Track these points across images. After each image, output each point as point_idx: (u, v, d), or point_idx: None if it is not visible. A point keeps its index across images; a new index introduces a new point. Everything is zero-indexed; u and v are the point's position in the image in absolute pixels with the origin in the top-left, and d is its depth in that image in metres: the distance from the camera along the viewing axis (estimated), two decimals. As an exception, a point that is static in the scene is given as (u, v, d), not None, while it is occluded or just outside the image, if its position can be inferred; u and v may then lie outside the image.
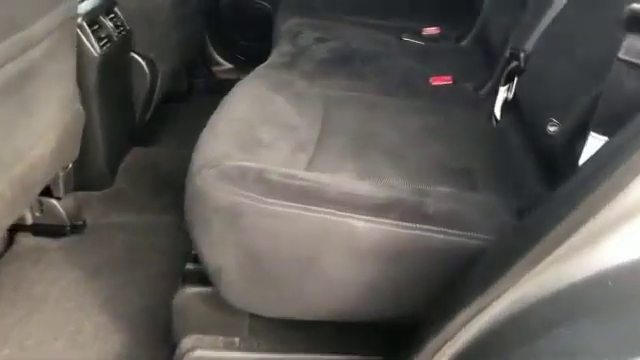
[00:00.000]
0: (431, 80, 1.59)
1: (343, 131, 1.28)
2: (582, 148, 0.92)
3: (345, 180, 1.06)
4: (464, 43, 1.87)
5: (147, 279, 1.61)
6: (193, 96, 2.61)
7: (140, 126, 2.05)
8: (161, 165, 2.06)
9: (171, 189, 1.92)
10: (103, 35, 1.72)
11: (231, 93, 1.36)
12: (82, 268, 1.63)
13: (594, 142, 0.87)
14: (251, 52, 2.70)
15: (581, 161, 0.87)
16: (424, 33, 1.92)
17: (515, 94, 1.31)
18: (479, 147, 1.26)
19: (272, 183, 1.00)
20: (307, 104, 1.37)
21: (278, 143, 1.18)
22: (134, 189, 1.95)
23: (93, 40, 1.67)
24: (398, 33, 1.90)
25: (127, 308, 1.50)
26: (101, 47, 1.70)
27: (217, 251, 1.02)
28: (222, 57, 2.73)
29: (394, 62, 1.67)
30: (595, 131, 0.86)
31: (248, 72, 2.68)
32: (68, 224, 1.73)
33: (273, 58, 1.63)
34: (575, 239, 0.71)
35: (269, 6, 2.55)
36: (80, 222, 1.77)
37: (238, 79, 2.71)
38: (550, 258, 0.73)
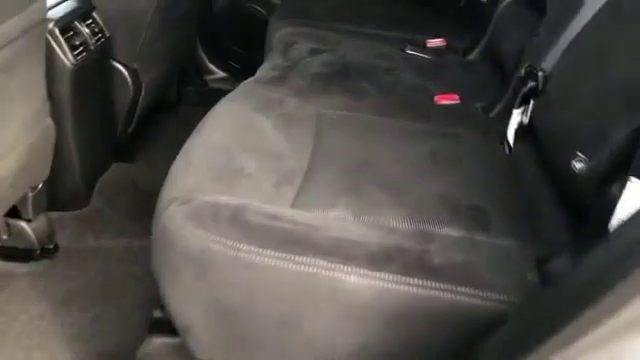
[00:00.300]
0: (436, 98, 1.44)
1: (336, 159, 1.13)
2: (618, 192, 0.77)
3: (335, 222, 0.91)
4: (472, 56, 1.72)
5: (120, 312, 1.47)
6: (183, 106, 2.47)
7: (121, 141, 1.90)
8: (143, 183, 1.92)
9: (152, 210, 1.77)
10: (78, 43, 1.57)
11: (210, 114, 1.22)
12: (50, 298, 1.50)
13: (635, 189, 0.72)
14: (246, 60, 2.55)
15: (620, 211, 0.72)
16: (428, 45, 1.76)
17: (531, 119, 1.16)
18: (491, 180, 1.11)
19: (249, 225, 0.85)
20: (297, 126, 1.22)
21: (261, 174, 1.03)
22: (112, 210, 1.80)
23: (66, 48, 1.53)
24: (400, 45, 1.74)
25: (95, 348, 1.36)
26: (75, 56, 1.55)
27: (185, 304, 0.87)
28: (215, 65, 2.58)
29: (395, 78, 1.51)
30: (637, 176, 0.71)
31: (242, 82, 2.57)
32: (38, 248, 1.59)
33: (262, 72, 1.48)
34: (622, 318, 0.55)
35: (264, 12, 2.40)
36: (51, 245, 1.63)
37: (232, 88, 2.58)
38: (587, 340, 0.58)
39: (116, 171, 1.91)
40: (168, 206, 0.92)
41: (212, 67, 2.58)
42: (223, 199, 0.92)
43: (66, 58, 1.52)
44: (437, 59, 1.68)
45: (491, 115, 1.38)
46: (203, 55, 2.56)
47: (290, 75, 1.45)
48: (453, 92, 1.46)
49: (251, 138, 1.15)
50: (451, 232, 0.93)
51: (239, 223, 0.85)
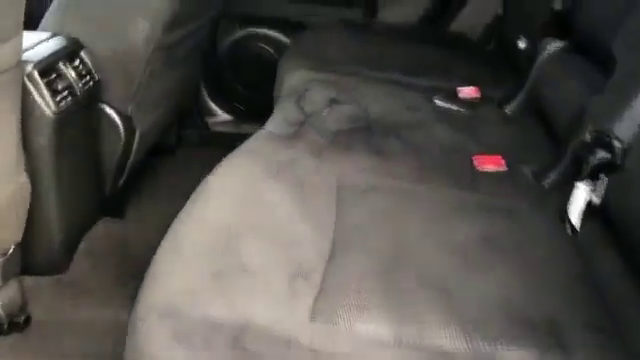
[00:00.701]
0: (476, 160, 1.22)
1: (365, 243, 0.91)
2: None
3: (370, 350, 0.68)
4: (509, 109, 1.51)
5: (97, 404, 1.24)
6: (182, 150, 2.26)
7: (111, 195, 1.69)
8: (134, 242, 1.69)
9: (143, 276, 1.55)
10: (62, 87, 1.36)
11: (210, 178, 1.00)
12: (14, 384, 1.27)
13: None
14: (252, 103, 2.36)
15: None
16: (460, 95, 1.56)
17: (605, 199, 0.94)
18: (558, 274, 0.89)
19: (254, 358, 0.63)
20: (314, 197, 1.00)
21: (270, 267, 0.81)
22: (96, 275, 1.57)
23: (46, 94, 1.32)
24: (427, 93, 1.54)
25: None
26: (58, 103, 1.34)
27: None
28: (218, 106, 2.38)
29: (427, 135, 1.30)
30: None
31: (248, 125, 2.37)
32: (6, 322, 1.36)
33: (273, 125, 1.27)
34: None
35: (274, 52, 2.22)
36: (22, 318, 1.40)
37: (236, 132, 2.37)
38: None
39: (103, 228, 1.69)
40: (146, 318, 0.69)
41: (215, 108, 2.39)
42: (219, 312, 0.70)
43: (46, 105, 1.31)
44: (472, 112, 1.47)
45: (544, 183, 1.16)
46: (206, 95, 2.36)
47: (305, 131, 1.24)
48: (494, 152, 1.25)
49: (259, 213, 0.93)
50: (522, 356, 0.70)
51: (239, 354, 0.63)
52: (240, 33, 2.25)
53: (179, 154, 2.25)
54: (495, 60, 1.87)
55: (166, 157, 2.17)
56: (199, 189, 0.99)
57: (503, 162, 1.21)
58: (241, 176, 1.02)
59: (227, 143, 2.32)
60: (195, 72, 2.13)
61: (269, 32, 2.24)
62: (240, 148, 1.14)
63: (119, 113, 1.58)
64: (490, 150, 1.26)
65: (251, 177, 1.02)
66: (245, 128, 2.38)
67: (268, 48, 2.24)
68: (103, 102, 1.55)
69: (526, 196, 1.11)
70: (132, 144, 1.66)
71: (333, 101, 1.42)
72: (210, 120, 2.38)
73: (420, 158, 1.20)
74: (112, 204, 1.73)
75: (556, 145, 1.24)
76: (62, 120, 1.36)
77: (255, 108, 2.36)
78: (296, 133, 1.23)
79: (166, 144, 2.18)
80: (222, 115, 2.39)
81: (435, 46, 1.91)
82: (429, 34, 2.04)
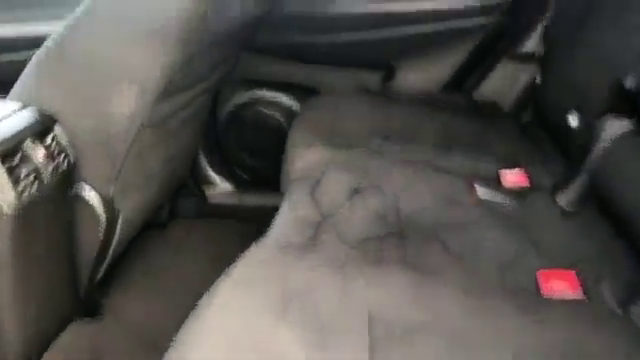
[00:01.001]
0: (541, 279, 0.96)
1: None
2: None
3: None
4: (563, 200, 1.26)
5: None
6: (174, 224, 2.00)
7: (86, 294, 1.42)
8: (110, 349, 1.41)
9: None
10: (26, 172, 1.12)
11: (198, 318, 0.74)
12: None
13: None
14: (256, 171, 2.13)
15: None
16: (504, 183, 1.31)
17: None
18: None
19: None
20: (340, 345, 0.74)
21: None
22: (62, 397, 1.29)
23: (7, 185, 1.08)
24: (465, 178, 1.29)
25: None
26: (20, 194, 1.09)
27: None
28: (217, 173, 2.13)
29: (474, 240, 1.05)
30: None
31: (250, 196, 2.11)
32: None
33: (282, 229, 1.01)
34: None
35: (283, 119, 1.99)
36: None
37: (238, 203, 2.09)
38: None
39: (74, 332, 1.40)
40: None
41: (214, 176, 2.13)
42: None
43: (3, 199, 1.06)
44: (522, 205, 1.22)
45: (633, 317, 0.89)
46: (204, 162, 2.12)
47: (323, 237, 0.98)
48: (562, 266, 0.99)
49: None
50: None
51: None
52: (243, 96, 2.03)
53: (171, 229, 1.98)
54: (534, 135, 1.63)
55: (155, 233, 1.91)
56: (184, 331, 0.73)
57: (578, 284, 0.95)
58: (239, 314, 0.76)
59: (227, 216, 2.08)
60: (193, 142, 1.89)
61: (276, 95, 2.02)
62: (238, 267, 0.87)
63: (99, 195, 1.33)
64: (555, 262, 1.01)
65: (253, 316, 0.76)
66: (247, 199, 2.13)
67: (274, 113, 2.01)
68: (80, 182, 1.31)
69: (613, 337, 0.84)
70: (114, 231, 1.40)
71: (355, 191, 1.17)
72: (208, 190, 2.12)
73: (470, 276, 0.94)
74: (87, 301, 1.46)
75: (640, 257, 0.99)
76: (25, 215, 1.10)
77: (259, 178, 2.13)
78: (311, 242, 0.97)
79: (157, 220, 1.92)
80: (222, 184, 2.13)
81: (465, 117, 1.68)
82: (456, 103, 1.81)
